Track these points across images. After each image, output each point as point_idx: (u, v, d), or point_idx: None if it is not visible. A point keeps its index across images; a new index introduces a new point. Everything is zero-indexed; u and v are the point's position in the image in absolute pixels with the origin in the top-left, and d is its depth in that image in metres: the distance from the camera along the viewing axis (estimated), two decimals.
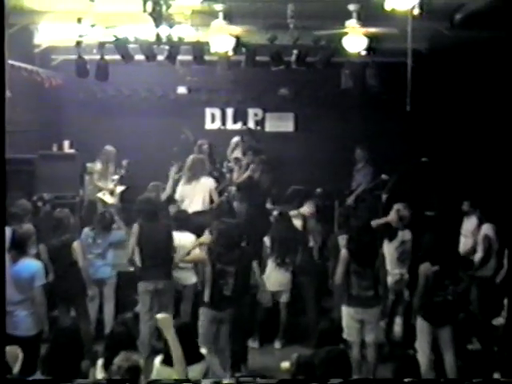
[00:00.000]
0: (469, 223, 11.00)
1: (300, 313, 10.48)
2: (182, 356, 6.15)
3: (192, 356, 6.49)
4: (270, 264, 10.26)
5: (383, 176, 12.96)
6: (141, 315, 9.14)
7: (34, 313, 8.06)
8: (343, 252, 8.67)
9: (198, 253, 9.23)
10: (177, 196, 11.57)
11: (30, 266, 8.09)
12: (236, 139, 14.08)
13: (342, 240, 9.66)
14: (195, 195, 11.31)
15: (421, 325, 8.44)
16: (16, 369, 6.32)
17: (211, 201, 11.42)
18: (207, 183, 11.41)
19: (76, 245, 9.24)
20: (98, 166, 13.00)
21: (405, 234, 10.04)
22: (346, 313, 8.62)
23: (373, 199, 13.02)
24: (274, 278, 10.24)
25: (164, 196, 11.61)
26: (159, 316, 6.42)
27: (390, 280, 9.31)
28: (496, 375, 8.05)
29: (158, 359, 6.59)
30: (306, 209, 10.89)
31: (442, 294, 8.31)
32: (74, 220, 10.12)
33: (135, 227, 9.40)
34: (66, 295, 9.24)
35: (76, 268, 9.14)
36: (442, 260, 8.32)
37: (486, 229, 10.53)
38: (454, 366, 8.40)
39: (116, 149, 13.24)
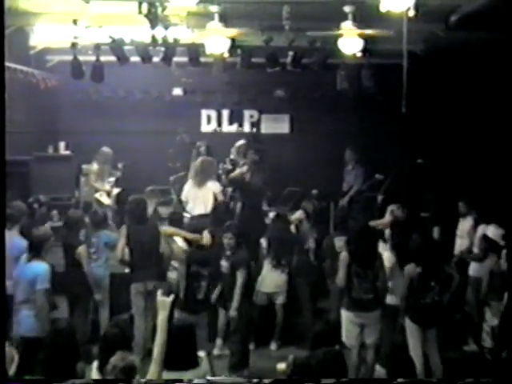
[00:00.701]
0: (465, 224, 11.00)
1: (296, 314, 10.46)
2: (163, 344, 6.05)
3: (189, 361, 6.43)
4: (266, 265, 10.25)
5: (377, 176, 12.96)
6: (135, 317, 9.11)
7: (37, 315, 8.05)
8: (344, 255, 8.63)
9: (180, 245, 9.16)
10: (182, 197, 11.54)
11: (36, 267, 8.08)
12: (241, 142, 14.01)
13: (339, 241, 9.66)
14: (199, 198, 11.25)
15: (410, 327, 8.42)
16: (12, 370, 6.31)
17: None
18: (212, 187, 11.31)
19: (81, 249, 9.24)
20: (94, 166, 12.98)
21: None
22: (346, 316, 8.57)
23: (368, 200, 13.02)
24: (269, 279, 10.24)
25: None
26: (159, 297, 6.36)
27: None
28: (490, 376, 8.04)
29: None
30: (296, 215, 10.87)
31: (430, 295, 8.30)
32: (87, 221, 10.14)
33: (123, 228, 9.38)
34: (70, 295, 9.29)
35: (82, 270, 9.15)
36: (428, 261, 8.32)
37: (483, 230, 10.52)
38: (440, 366, 8.40)
39: (112, 150, 13.22)
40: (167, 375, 6.19)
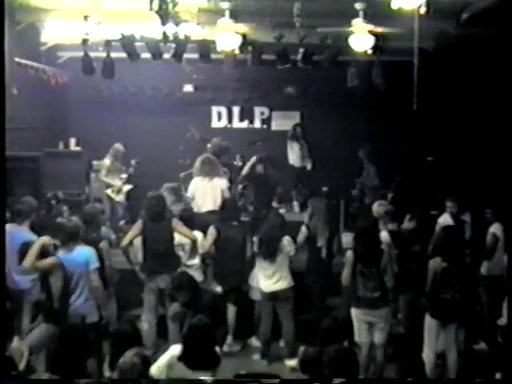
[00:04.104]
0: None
1: (305, 311, 10.42)
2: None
3: (210, 360, 6.41)
4: (259, 262, 10.10)
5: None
6: (146, 313, 9.10)
7: (91, 299, 8.12)
8: (349, 253, 8.62)
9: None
10: (188, 193, 11.48)
11: (84, 251, 8.17)
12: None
13: (345, 237, 9.65)
14: (207, 195, 11.19)
15: (429, 322, 8.38)
16: (22, 365, 6.33)
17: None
18: (219, 183, 11.24)
19: (104, 245, 9.06)
20: (106, 162, 12.98)
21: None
22: (355, 315, 8.56)
23: (378, 198, 12.98)
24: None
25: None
26: None
27: None
28: (498, 375, 7.99)
29: (174, 352, 6.48)
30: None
31: (450, 291, 8.25)
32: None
33: (138, 223, 9.32)
34: None
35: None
36: (452, 257, 8.26)
37: (495, 228, 10.47)
38: (456, 364, 8.37)
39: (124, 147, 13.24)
40: (192, 375, 6.20)
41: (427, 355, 8.13)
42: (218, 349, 6.58)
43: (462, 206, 10.85)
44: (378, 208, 9.96)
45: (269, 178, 12.66)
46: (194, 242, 9.46)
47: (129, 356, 5.61)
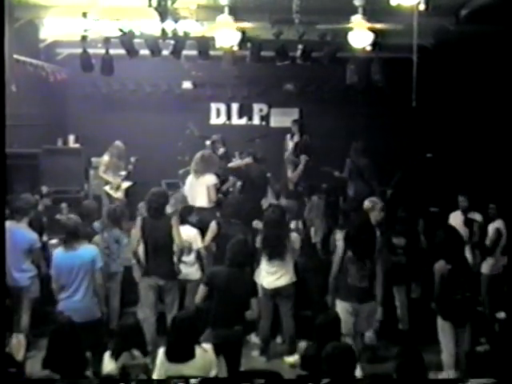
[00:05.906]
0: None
1: (303, 308, 10.40)
2: None
3: (188, 353, 6.43)
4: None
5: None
6: (145, 311, 9.08)
7: (95, 296, 8.26)
8: (340, 243, 8.60)
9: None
10: (185, 191, 11.52)
11: (91, 250, 8.35)
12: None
13: (339, 234, 9.65)
14: (198, 191, 11.25)
15: (442, 325, 8.26)
16: (20, 356, 6.35)
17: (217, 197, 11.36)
18: (207, 180, 11.29)
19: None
20: (105, 158, 12.96)
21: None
22: (341, 307, 8.45)
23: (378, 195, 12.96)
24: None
25: None
26: None
27: None
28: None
29: (161, 351, 6.53)
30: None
31: (460, 291, 8.17)
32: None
33: (138, 220, 9.29)
34: None
35: None
36: (456, 257, 8.21)
37: (497, 223, 10.45)
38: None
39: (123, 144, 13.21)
40: (170, 367, 6.23)
41: (447, 359, 8.08)
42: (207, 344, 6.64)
43: (473, 202, 10.82)
44: (367, 203, 10.01)
45: (260, 173, 12.61)
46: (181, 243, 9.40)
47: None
